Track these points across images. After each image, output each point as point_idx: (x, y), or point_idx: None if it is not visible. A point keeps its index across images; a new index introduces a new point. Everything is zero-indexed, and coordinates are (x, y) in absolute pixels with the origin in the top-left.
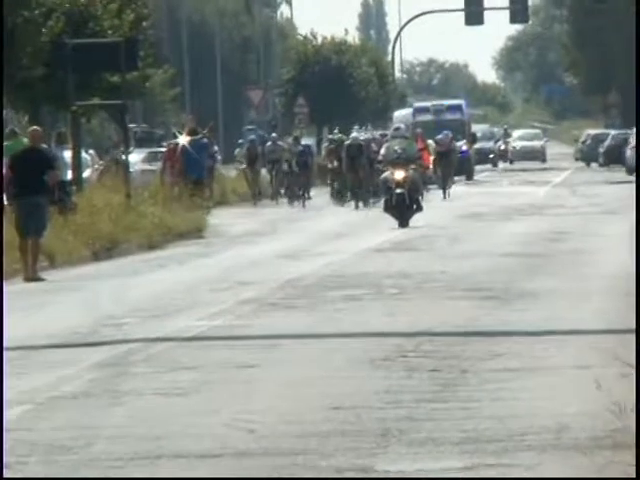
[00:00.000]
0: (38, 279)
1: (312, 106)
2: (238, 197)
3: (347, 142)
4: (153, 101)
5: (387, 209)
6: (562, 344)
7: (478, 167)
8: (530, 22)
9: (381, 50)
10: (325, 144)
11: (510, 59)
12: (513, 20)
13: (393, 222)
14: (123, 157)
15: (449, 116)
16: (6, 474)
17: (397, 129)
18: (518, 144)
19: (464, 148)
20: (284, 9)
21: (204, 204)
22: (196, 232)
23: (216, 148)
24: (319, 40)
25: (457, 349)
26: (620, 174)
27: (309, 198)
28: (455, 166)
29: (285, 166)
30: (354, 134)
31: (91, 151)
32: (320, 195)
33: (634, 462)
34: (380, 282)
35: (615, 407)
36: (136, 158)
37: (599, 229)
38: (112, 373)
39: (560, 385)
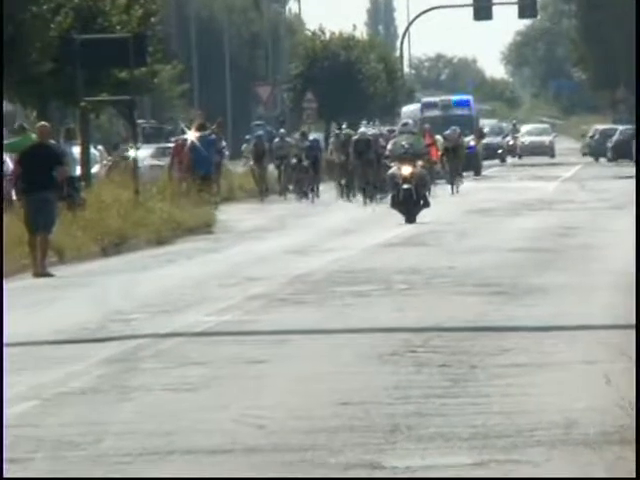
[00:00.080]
0: (47, 275)
1: (320, 102)
2: (245, 193)
3: (355, 137)
4: (161, 97)
5: (394, 205)
6: (571, 339)
7: (486, 162)
8: (539, 17)
9: (389, 45)
10: (331, 139)
11: (519, 54)
12: (522, 15)
13: (401, 218)
14: (131, 153)
15: (457, 111)
16: (14, 470)
17: (405, 124)
18: (527, 139)
19: (472, 144)
20: (292, 5)
21: (211, 200)
22: (205, 227)
23: (224, 144)
24: (327, 36)
25: (466, 344)
26: (628, 169)
27: (317, 196)
28: (463, 161)
29: (294, 160)
30: (362, 129)
31: (100, 147)
32: (328, 191)
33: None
34: (389, 278)
35: (624, 402)
36: (144, 154)
37: (608, 224)
38: (121, 369)
39: (569, 380)
